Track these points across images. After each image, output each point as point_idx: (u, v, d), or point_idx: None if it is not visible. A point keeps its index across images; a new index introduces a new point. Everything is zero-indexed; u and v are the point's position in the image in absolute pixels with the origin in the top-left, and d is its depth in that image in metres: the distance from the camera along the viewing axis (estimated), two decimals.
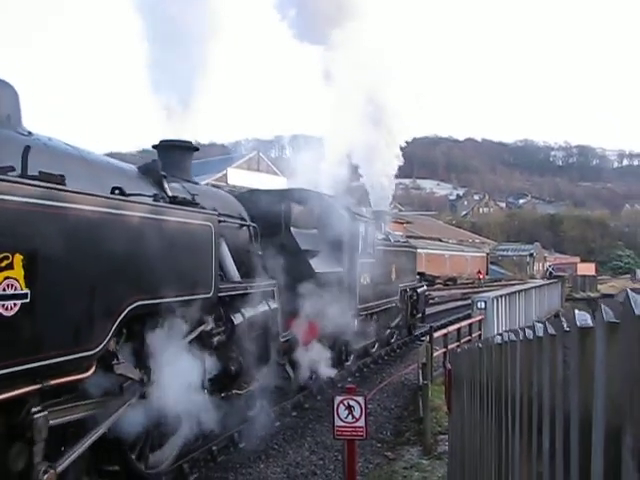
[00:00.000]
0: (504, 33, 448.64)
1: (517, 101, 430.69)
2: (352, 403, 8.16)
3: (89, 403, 6.89)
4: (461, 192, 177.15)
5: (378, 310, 18.93)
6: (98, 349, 6.56)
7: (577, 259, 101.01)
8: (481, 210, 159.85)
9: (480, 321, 21.12)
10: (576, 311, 2.13)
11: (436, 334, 16.89)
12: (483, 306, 21.51)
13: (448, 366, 9.95)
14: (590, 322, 2.05)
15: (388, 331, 21.29)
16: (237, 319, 10.25)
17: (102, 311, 6.66)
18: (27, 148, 6.07)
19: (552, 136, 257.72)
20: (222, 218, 10.23)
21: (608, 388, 1.78)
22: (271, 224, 13.53)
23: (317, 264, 14.84)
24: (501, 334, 4.35)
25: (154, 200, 8.21)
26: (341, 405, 8.17)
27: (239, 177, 48.01)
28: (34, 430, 5.86)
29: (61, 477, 6.30)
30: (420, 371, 14.22)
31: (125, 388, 7.53)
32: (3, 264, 5.24)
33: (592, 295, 56.03)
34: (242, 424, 11.28)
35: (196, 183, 11.26)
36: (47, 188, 5.82)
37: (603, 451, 1.79)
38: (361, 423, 8.14)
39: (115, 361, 7.24)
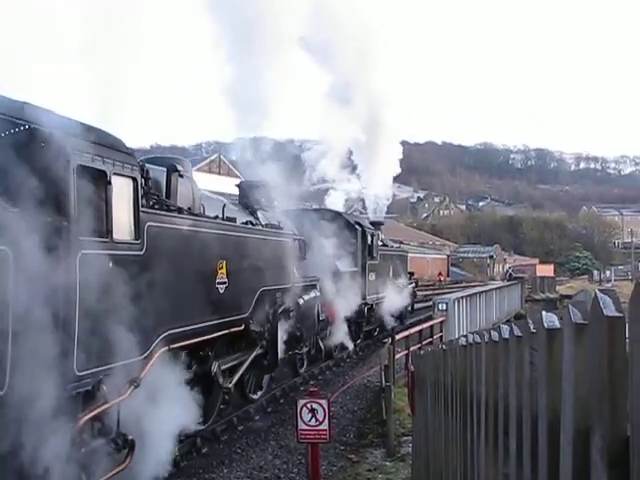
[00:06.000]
0: (463, 37, 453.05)
1: (477, 105, 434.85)
2: (315, 406, 8.15)
3: (237, 355, 12.48)
4: (422, 195, 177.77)
5: (379, 301, 24.27)
6: (248, 312, 12.37)
7: (536, 261, 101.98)
8: (442, 212, 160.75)
9: (442, 323, 21.22)
10: (544, 312, 2.13)
11: (398, 336, 16.94)
12: (444, 308, 21.61)
13: (411, 368, 9.97)
14: (557, 323, 2.06)
15: (386, 319, 25.96)
16: (300, 301, 15.58)
17: (250, 291, 12.47)
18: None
19: (511, 139, 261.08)
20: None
21: (576, 389, 1.78)
22: (310, 237, 17.88)
23: (340, 265, 19.92)
24: (466, 336, 4.36)
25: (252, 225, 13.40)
26: (304, 408, 8.15)
27: (200, 180, 47.62)
28: (217, 372, 11.21)
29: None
30: (383, 373, 14.25)
31: (252, 339, 12.80)
32: (221, 266, 11.02)
33: (551, 296, 56.60)
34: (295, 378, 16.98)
35: (266, 210, 15.56)
36: (234, 225, 12.08)
37: (572, 452, 1.79)
38: (324, 426, 8.14)
39: (252, 321, 12.56)
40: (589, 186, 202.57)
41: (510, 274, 75.29)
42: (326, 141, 29.26)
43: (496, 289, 34.08)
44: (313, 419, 8.12)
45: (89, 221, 7.19)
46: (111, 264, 7.49)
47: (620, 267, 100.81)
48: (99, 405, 7.38)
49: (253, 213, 14.37)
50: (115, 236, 7.70)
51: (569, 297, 47.43)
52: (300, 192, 23.99)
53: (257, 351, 12.97)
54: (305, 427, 8.14)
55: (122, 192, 7.93)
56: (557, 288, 65.36)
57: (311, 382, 17.07)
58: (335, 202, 28.27)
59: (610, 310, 1.60)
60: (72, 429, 6.79)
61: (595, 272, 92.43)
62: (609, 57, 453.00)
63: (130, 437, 7.87)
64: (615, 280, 74.77)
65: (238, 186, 15.88)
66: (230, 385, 11.78)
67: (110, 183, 7.62)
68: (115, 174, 7.76)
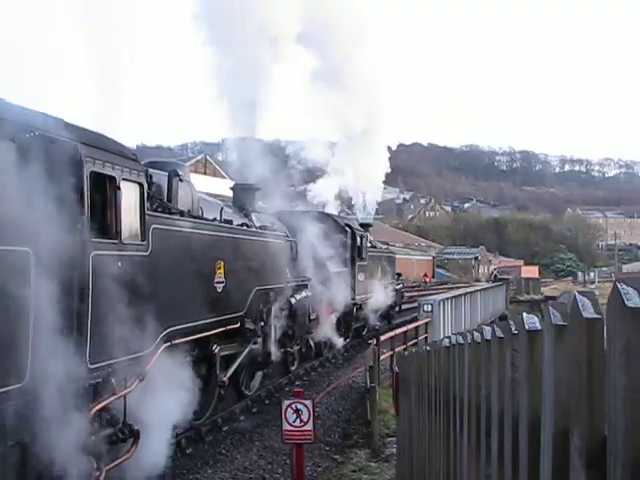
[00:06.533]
0: (448, 38, 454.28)
1: (463, 106, 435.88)
2: (300, 407, 8.17)
3: (234, 345, 12.88)
4: (407, 196, 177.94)
5: (368, 301, 24.79)
6: (244, 310, 12.97)
7: (521, 262, 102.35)
8: (427, 214, 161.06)
9: (427, 324, 21.28)
10: (524, 314, 2.16)
11: (383, 337, 16.98)
12: (430, 309, 21.68)
13: (395, 369, 10.01)
14: (538, 325, 2.08)
15: (374, 318, 26.42)
16: (292, 300, 16.38)
17: (245, 290, 13.06)
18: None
19: (497, 141, 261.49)
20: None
21: (556, 390, 1.80)
22: (301, 238, 18.47)
23: (331, 265, 20.51)
24: (449, 337, 4.38)
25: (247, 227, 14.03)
26: (289, 409, 8.17)
27: None
28: (216, 356, 11.80)
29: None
30: (367, 374, 14.28)
31: (247, 337, 13.38)
32: (218, 266, 11.63)
33: (536, 297, 56.80)
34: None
35: (259, 212, 16.29)
36: (231, 227, 12.72)
37: (552, 452, 1.81)
38: (309, 427, 8.15)
39: (247, 319, 13.17)
40: (574, 188, 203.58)
41: (495, 275, 75.59)
42: (313, 135, 29.45)
43: (481, 290, 34.23)
44: (298, 420, 8.13)
45: (101, 224, 7.84)
46: (120, 264, 8.08)
47: (604, 269, 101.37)
48: (108, 396, 7.92)
49: (247, 215, 14.96)
50: (124, 238, 8.27)
51: (554, 298, 47.63)
52: (289, 192, 24.66)
53: (251, 346, 13.59)
54: (290, 428, 8.15)
55: (130, 196, 8.48)
56: (542, 289, 65.62)
57: (296, 383, 17.08)
58: (324, 190, 29.01)
59: (589, 312, 1.62)
60: (84, 418, 7.26)
61: (579, 274, 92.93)
62: (593, 61, 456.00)
63: (136, 427, 8.39)
64: (599, 282, 75.14)
65: (232, 189, 16.48)
66: (225, 378, 12.30)
67: (119, 188, 8.15)
68: (124, 179, 8.29)
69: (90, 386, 7.57)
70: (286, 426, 8.15)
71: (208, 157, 55.07)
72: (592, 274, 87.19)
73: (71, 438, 6.84)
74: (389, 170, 36.22)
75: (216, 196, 16.06)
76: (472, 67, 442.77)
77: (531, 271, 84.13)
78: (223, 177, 49.01)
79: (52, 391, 6.52)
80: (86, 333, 7.35)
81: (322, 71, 28.00)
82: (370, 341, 17.82)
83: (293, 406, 8.15)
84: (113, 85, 11.77)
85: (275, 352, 15.12)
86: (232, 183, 17.59)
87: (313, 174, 30.42)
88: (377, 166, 33.89)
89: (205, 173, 52.75)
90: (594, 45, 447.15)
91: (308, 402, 8.25)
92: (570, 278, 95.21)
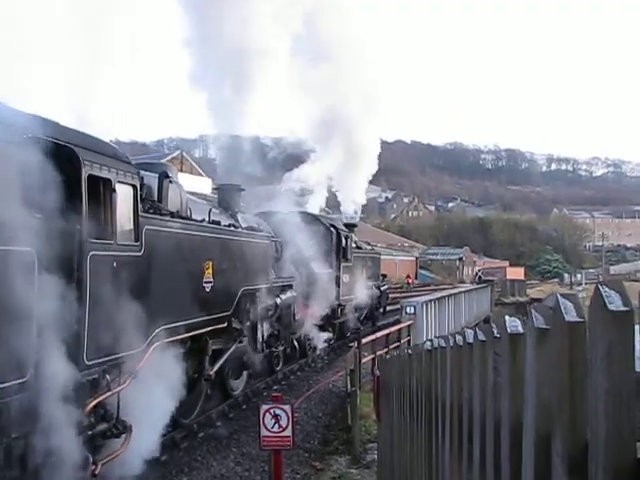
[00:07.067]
0: (433, 32, 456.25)
1: (447, 103, 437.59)
2: (278, 412, 8.17)
3: (222, 341, 13.48)
4: (390, 195, 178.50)
5: (353, 302, 25.29)
6: (231, 311, 13.53)
7: (506, 263, 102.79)
8: (410, 213, 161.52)
9: (409, 326, 21.34)
10: (507, 317, 2.17)
11: (364, 340, 17.00)
12: (412, 311, 21.74)
13: (377, 373, 10.04)
14: (520, 328, 2.10)
15: (359, 318, 27.23)
16: (278, 301, 16.94)
17: (231, 291, 13.58)
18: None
19: (482, 139, 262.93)
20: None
21: (538, 394, 1.82)
22: (286, 238, 18.90)
23: (316, 266, 20.92)
24: (431, 340, 4.40)
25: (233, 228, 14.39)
26: (267, 414, 8.17)
27: None
28: (207, 349, 12.53)
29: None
30: (348, 378, 14.30)
31: (234, 336, 14.00)
32: (207, 266, 12.14)
33: (521, 299, 57.27)
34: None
35: (244, 212, 16.79)
36: (219, 228, 13.25)
37: (534, 458, 1.83)
38: (288, 432, 8.16)
39: (233, 319, 13.76)
40: (560, 188, 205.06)
41: (480, 277, 75.95)
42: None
43: (465, 292, 34.34)
44: (276, 425, 8.14)
45: (97, 225, 8.26)
46: (115, 264, 8.60)
47: (591, 270, 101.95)
48: (103, 392, 8.47)
49: (233, 216, 15.50)
50: (119, 238, 8.74)
51: (539, 301, 47.94)
52: (274, 191, 25.13)
53: (237, 345, 14.23)
54: (268, 433, 8.15)
55: (124, 198, 8.95)
56: (527, 291, 66.10)
57: (274, 387, 17.08)
58: (308, 176, 29.22)
59: (571, 315, 1.64)
60: (81, 413, 7.82)
61: (566, 275, 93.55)
62: (582, 58, 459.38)
63: (129, 423, 8.92)
64: (586, 283, 75.61)
65: (217, 189, 17.23)
66: (212, 372, 12.87)
67: (115, 190, 8.62)
68: (119, 182, 8.76)
69: (87, 382, 8.05)
70: (264, 432, 8.16)
71: (185, 154, 54.89)
72: (579, 276, 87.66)
73: (70, 432, 7.31)
74: (376, 168, 36.17)
75: (193, 194, 16.09)
76: (458, 62, 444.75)
77: (516, 272, 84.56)
78: (200, 175, 48.93)
79: (53, 386, 6.99)
80: (84, 330, 7.81)
81: (305, 47, 27.80)
82: (351, 344, 17.85)
83: (271, 411, 8.16)
84: (85, 78, 11.78)
85: (261, 352, 15.75)
86: (209, 181, 17.88)
87: (297, 161, 30.28)
88: (364, 165, 33.93)
89: (181, 170, 52.45)
90: (584, 43, 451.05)
91: (287, 407, 8.25)
92: (556, 280, 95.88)
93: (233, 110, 18.50)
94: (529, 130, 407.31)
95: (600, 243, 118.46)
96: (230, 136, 20.30)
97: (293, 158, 30.15)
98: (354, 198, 34.65)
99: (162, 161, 21.50)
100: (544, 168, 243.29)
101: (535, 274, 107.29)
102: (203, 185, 35.93)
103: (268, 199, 22.72)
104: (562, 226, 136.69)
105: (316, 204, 28.96)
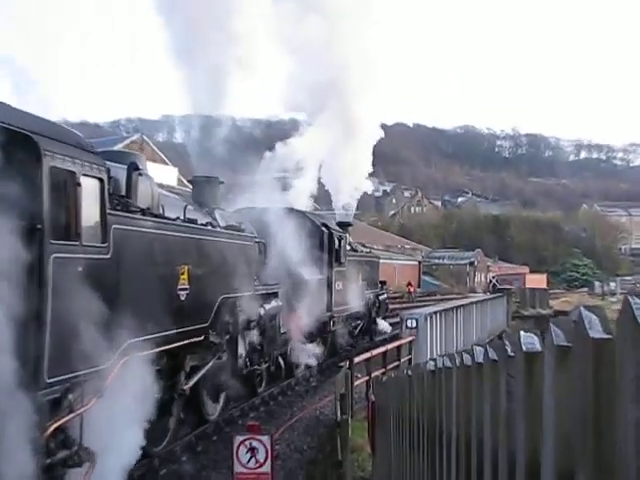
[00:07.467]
0: (442, 3, 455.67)
1: (456, 80, 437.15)
2: (255, 444, 8.17)
3: (199, 357, 13.62)
4: (388, 188, 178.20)
5: (347, 314, 25.83)
6: (209, 321, 13.73)
7: (526, 269, 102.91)
8: (412, 209, 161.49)
9: (410, 343, 21.36)
10: (522, 332, 2.19)
11: (357, 359, 16.99)
12: (414, 325, 21.77)
13: (372, 398, 10.06)
14: (538, 346, 2.10)
15: (354, 333, 27.67)
16: (261, 311, 17.00)
17: (209, 299, 13.86)
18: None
19: (498, 122, 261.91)
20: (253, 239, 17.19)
21: (558, 423, 1.83)
22: (270, 239, 19.08)
23: (304, 272, 20.93)
24: (435, 359, 4.41)
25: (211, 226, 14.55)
26: (242, 447, 8.17)
27: None
28: (185, 365, 12.90)
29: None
30: (338, 404, 14.31)
31: (212, 351, 14.16)
32: (182, 271, 12.33)
33: (543, 312, 57.31)
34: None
35: (223, 209, 17.05)
36: (195, 227, 13.37)
37: None
38: (266, 469, 8.16)
39: (211, 332, 13.88)
40: (591, 180, 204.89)
41: (494, 285, 76.12)
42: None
43: (477, 303, 34.41)
44: (253, 460, 8.14)
45: (61, 224, 8.36)
46: (80, 268, 8.67)
47: (628, 278, 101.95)
48: (65, 414, 8.46)
49: (211, 213, 15.70)
50: (84, 239, 8.82)
51: (565, 313, 48.03)
52: (253, 181, 25.02)
53: (215, 360, 14.42)
54: (243, 470, 8.16)
55: (90, 194, 9.02)
56: (551, 303, 66.13)
57: (251, 415, 17.05)
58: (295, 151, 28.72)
59: (597, 331, 1.64)
60: (40, 437, 7.80)
61: (597, 284, 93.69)
62: (612, 29, 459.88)
63: (93, 450, 8.94)
64: (621, 293, 75.79)
65: (191, 182, 17.27)
66: (186, 387, 13.08)
67: (79, 184, 8.68)
68: (84, 175, 8.82)
69: (47, 402, 8.06)
70: (238, 468, 8.16)
71: (145, 137, 54.65)
72: (612, 284, 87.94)
73: (25, 460, 7.30)
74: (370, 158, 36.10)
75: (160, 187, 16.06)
76: (469, 35, 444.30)
77: (538, 280, 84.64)
78: (165, 162, 48.78)
79: (8, 408, 7.03)
80: (44, 344, 7.84)
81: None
82: (342, 363, 17.80)
83: (247, 443, 8.16)
84: (27, 48, 11.75)
85: (241, 369, 15.91)
86: (175, 170, 17.80)
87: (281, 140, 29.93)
88: (364, 152, 33.93)
89: None
90: (614, 11, 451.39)
91: (265, 438, 8.26)
92: (586, 289, 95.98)
93: (217, 84, 18.39)
94: (554, 112, 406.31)
95: (638, 245, 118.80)
96: (203, 116, 20.26)
97: (277, 139, 29.79)
98: (354, 185, 34.35)
99: (119, 146, 21.59)
100: (572, 157, 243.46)
101: (560, 282, 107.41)
102: (168, 175, 35.85)
103: (248, 191, 22.65)
104: (593, 225, 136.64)
105: (304, 191, 28.21)
